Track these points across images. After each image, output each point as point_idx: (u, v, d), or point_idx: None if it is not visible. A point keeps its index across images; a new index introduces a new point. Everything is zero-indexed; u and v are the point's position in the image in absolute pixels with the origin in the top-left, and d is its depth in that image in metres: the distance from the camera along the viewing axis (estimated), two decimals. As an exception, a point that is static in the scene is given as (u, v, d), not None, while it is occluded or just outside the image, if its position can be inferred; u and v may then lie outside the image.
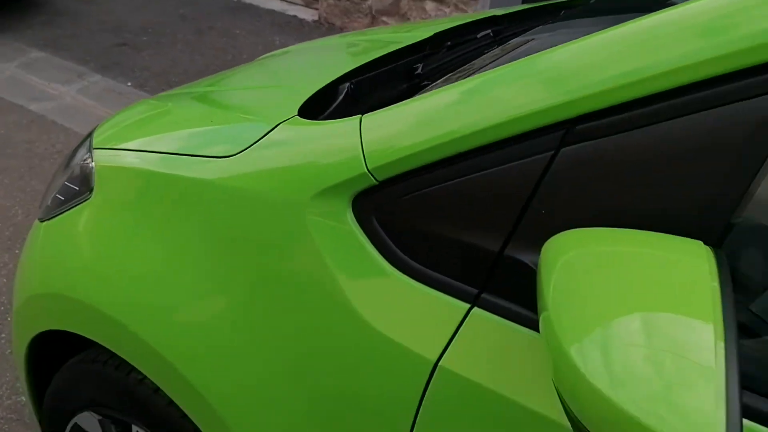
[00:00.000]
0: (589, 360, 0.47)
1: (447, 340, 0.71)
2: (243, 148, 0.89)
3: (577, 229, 0.60)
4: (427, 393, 0.72)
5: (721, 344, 0.44)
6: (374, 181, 0.75)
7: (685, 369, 0.44)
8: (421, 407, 0.72)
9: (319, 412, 0.81)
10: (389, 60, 1.20)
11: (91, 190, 1.08)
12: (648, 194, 0.60)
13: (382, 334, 0.74)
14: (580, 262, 0.54)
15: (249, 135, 0.91)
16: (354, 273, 0.76)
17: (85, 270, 1.03)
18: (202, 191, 0.90)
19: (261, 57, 1.62)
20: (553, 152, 0.65)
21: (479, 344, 0.70)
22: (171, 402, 0.99)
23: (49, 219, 1.17)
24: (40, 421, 1.40)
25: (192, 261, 0.91)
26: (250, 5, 5.41)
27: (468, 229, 0.70)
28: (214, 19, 5.04)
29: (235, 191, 0.87)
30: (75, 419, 1.20)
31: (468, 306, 0.71)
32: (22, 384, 1.33)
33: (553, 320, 0.51)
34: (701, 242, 0.54)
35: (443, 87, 0.76)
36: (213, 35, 4.66)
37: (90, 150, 1.13)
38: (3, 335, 2.02)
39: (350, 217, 0.77)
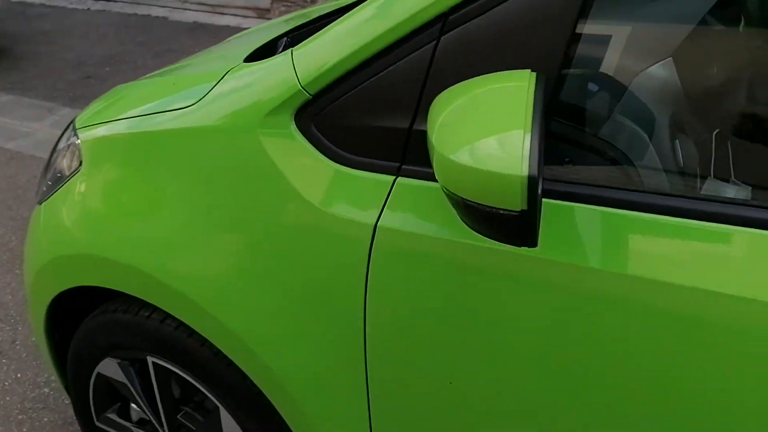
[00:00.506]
0: (453, 150, 0.67)
1: (381, 207, 0.90)
2: (201, 97, 1.08)
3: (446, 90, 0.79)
4: (372, 249, 0.91)
5: (530, 119, 0.63)
6: (308, 95, 0.94)
7: (503, 141, 0.64)
8: (371, 261, 0.91)
9: (293, 291, 0.99)
10: (326, 17, 1.39)
11: (80, 164, 1.26)
12: (502, 58, 0.80)
13: (330, 213, 0.93)
14: (448, 105, 0.73)
15: (205, 86, 1.10)
16: (301, 171, 0.95)
17: (94, 228, 1.21)
18: (175, 139, 1.09)
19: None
20: (437, 40, 0.84)
21: (405, 204, 0.89)
22: (203, 343, 1.16)
23: (47, 199, 1.35)
24: (66, 388, 1.58)
25: (180, 200, 1.09)
26: (205, 24, 5.59)
27: (384, 117, 0.89)
28: (170, 42, 5.22)
29: (200, 132, 1.06)
30: (97, 368, 1.38)
31: (393, 177, 0.90)
32: (44, 355, 1.51)
33: (434, 143, 0.70)
34: (528, 70, 0.73)
35: (348, 13, 0.95)
36: (172, 56, 4.83)
37: (74, 131, 1.31)
38: (17, 341, 2.18)
39: (293, 128, 0.96)
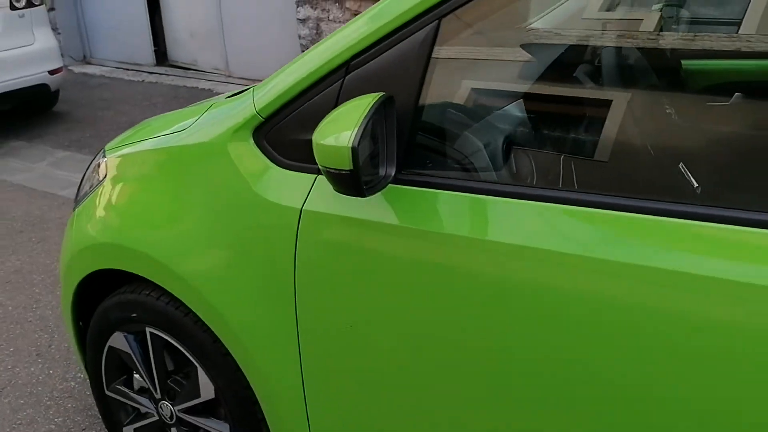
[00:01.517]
0: (322, 138, 1.03)
1: (306, 195, 1.26)
2: (193, 121, 1.48)
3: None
4: (300, 225, 1.26)
5: (360, 118, 0.99)
6: (261, 118, 1.33)
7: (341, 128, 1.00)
8: (298, 233, 1.26)
9: (248, 261, 1.35)
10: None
11: (104, 178, 1.67)
12: (381, 88, 1.16)
13: (271, 201, 1.30)
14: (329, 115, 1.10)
15: (197, 116, 1.50)
16: (253, 171, 1.33)
17: (111, 223, 1.61)
18: (171, 153, 1.49)
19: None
20: (342, 79, 1.22)
21: (321, 194, 1.24)
22: (187, 313, 1.51)
23: (78, 206, 1.76)
24: (86, 367, 1.93)
25: (172, 197, 1.48)
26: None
27: (310, 132, 1.26)
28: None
29: (189, 147, 1.45)
30: (109, 342, 1.74)
31: (315, 176, 1.27)
32: (69, 336, 1.88)
33: (314, 136, 1.07)
34: (381, 93, 1.09)
35: (291, 61, 1.34)
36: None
37: (103, 154, 1.73)
38: (53, 346, 2.57)
39: (251, 141, 1.34)
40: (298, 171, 1.29)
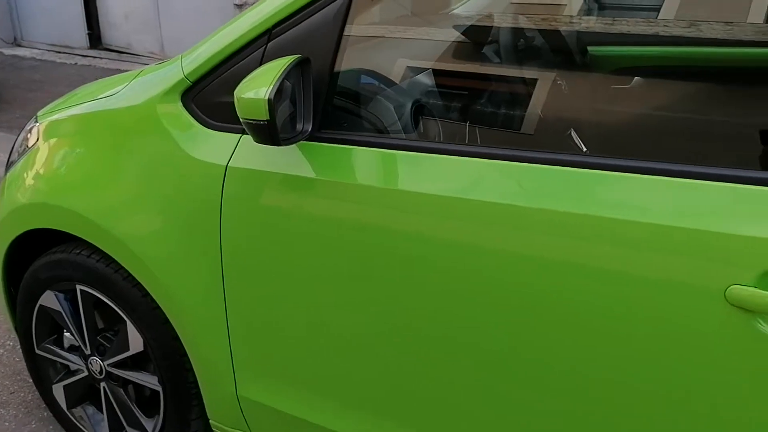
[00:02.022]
0: (242, 93, 1.14)
1: (231, 153, 1.36)
2: (123, 87, 1.56)
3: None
4: (225, 181, 1.36)
5: (276, 75, 1.11)
6: (189, 82, 1.42)
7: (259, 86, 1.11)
8: (224, 187, 1.36)
9: (174, 215, 1.44)
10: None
11: (36, 142, 1.73)
12: (300, 53, 1.27)
13: (198, 159, 1.39)
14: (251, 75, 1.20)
15: (128, 82, 1.58)
16: (181, 131, 1.42)
17: (41, 184, 1.67)
18: (103, 116, 1.56)
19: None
20: (265, 45, 1.33)
21: (245, 152, 1.35)
22: (125, 275, 1.58)
23: (10, 171, 1.80)
24: (16, 329, 1.98)
25: (103, 156, 1.55)
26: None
27: (232, 96, 1.36)
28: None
29: (121, 110, 1.53)
30: (39, 301, 1.80)
31: (240, 135, 1.37)
32: (1, 300, 1.92)
33: (235, 92, 1.17)
34: (298, 55, 1.20)
35: (218, 29, 1.44)
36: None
37: (35, 120, 1.78)
38: None
39: (179, 104, 1.43)
40: (224, 131, 1.39)
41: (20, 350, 2.36)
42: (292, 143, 1.20)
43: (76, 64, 6.81)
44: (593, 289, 1.05)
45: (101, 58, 6.91)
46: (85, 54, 7.05)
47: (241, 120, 1.17)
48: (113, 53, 6.96)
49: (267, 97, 1.09)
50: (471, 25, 1.66)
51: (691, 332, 0.98)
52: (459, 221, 1.14)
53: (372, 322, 1.28)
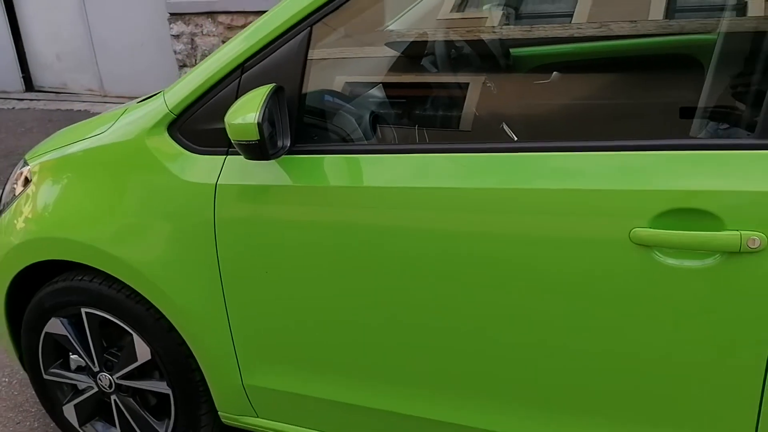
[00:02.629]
0: (233, 119, 1.36)
1: (218, 173, 1.57)
2: (110, 126, 1.75)
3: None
4: (216, 197, 1.57)
5: (261, 102, 1.33)
6: (173, 115, 1.62)
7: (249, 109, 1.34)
8: (216, 205, 1.57)
9: (172, 234, 1.64)
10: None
11: (27, 183, 1.90)
12: (270, 81, 1.49)
13: (187, 181, 1.59)
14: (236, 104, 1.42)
15: (113, 120, 1.77)
16: (171, 159, 1.62)
17: (39, 220, 1.84)
18: (98, 152, 1.75)
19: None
20: (239, 78, 1.54)
21: (231, 170, 1.56)
22: (120, 288, 1.77)
23: (4, 213, 1.96)
24: (20, 359, 2.13)
25: (97, 190, 1.74)
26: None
27: (216, 123, 1.57)
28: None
29: (112, 146, 1.72)
30: (45, 329, 1.96)
31: (224, 156, 1.58)
32: (2, 329, 2.07)
33: (226, 118, 1.38)
34: (273, 84, 1.43)
35: (196, 65, 1.64)
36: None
37: (24, 163, 1.95)
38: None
39: (166, 134, 1.63)
40: (210, 154, 1.60)
41: (17, 384, 2.50)
42: (277, 157, 1.42)
43: (13, 108, 6.81)
44: (529, 252, 1.30)
45: (39, 99, 6.93)
46: (21, 98, 7.05)
47: (233, 142, 1.38)
48: (51, 94, 6.98)
49: (256, 121, 1.31)
50: (409, 41, 1.91)
51: (608, 269, 1.25)
52: (414, 205, 1.39)
53: (353, 303, 1.51)
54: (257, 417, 1.79)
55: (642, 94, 1.46)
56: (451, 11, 2.24)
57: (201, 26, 5.55)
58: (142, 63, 6.19)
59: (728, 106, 1.30)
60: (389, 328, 1.49)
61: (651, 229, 1.20)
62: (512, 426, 1.45)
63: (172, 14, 5.65)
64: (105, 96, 6.61)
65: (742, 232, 1.15)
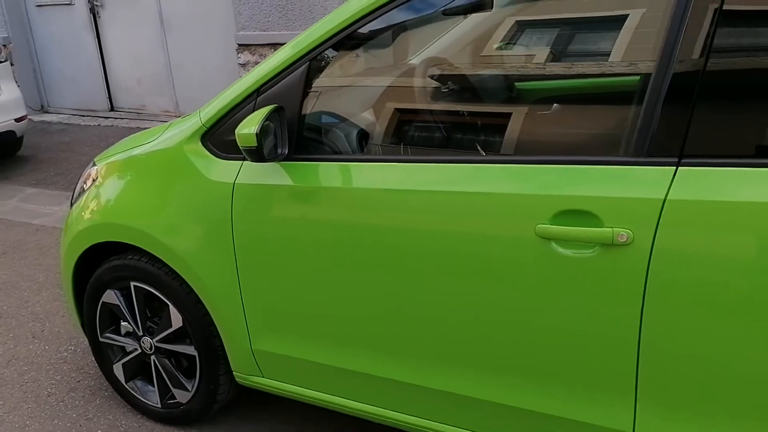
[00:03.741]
0: (240, 130, 1.77)
1: (236, 175, 1.99)
2: (159, 136, 2.21)
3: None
4: (234, 193, 1.98)
5: (260, 119, 1.74)
6: (205, 128, 2.06)
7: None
8: (233, 199, 1.98)
9: (203, 219, 2.06)
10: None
11: (95, 180, 2.38)
12: (276, 102, 1.91)
13: (213, 180, 2.02)
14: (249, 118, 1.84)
15: (162, 132, 2.23)
16: (202, 163, 2.05)
17: (105, 208, 2.31)
18: (149, 157, 2.21)
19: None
20: (255, 100, 1.97)
21: (246, 172, 1.97)
22: (161, 267, 2.20)
23: (77, 203, 2.45)
24: (82, 325, 2.60)
25: (149, 187, 2.19)
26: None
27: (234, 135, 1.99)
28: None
29: (159, 153, 2.18)
30: (102, 298, 2.42)
31: (242, 162, 2.00)
32: (68, 298, 2.55)
33: (237, 130, 1.80)
34: (275, 105, 1.84)
35: (225, 89, 2.08)
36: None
37: (93, 164, 2.44)
38: (45, 331, 3.20)
39: (199, 143, 2.07)
40: (231, 160, 2.02)
41: (80, 352, 2.98)
42: (274, 161, 1.83)
43: (99, 125, 7.55)
44: (465, 243, 1.65)
45: (122, 118, 7.66)
46: (106, 116, 7.81)
47: (240, 147, 1.80)
48: (133, 113, 7.71)
49: (255, 132, 1.72)
50: (399, 74, 2.28)
51: (520, 257, 1.58)
52: (390, 205, 1.76)
53: (340, 282, 1.89)
54: (262, 377, 2.19)
55: (561, 124, 1.79)
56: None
57: (264, 56, 6.10)
58: (214, 87, 6.81)
59: (614, 133, 1.62)
60: (368, 303, 1.86)
61: (550, 226, 1.54)
62: (467, 387, 1.78)
63: (240, 45, 6.24)
64: (179, 116, 7.28)
65: (614, 229, 1.47)
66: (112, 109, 7.90)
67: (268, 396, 2.48)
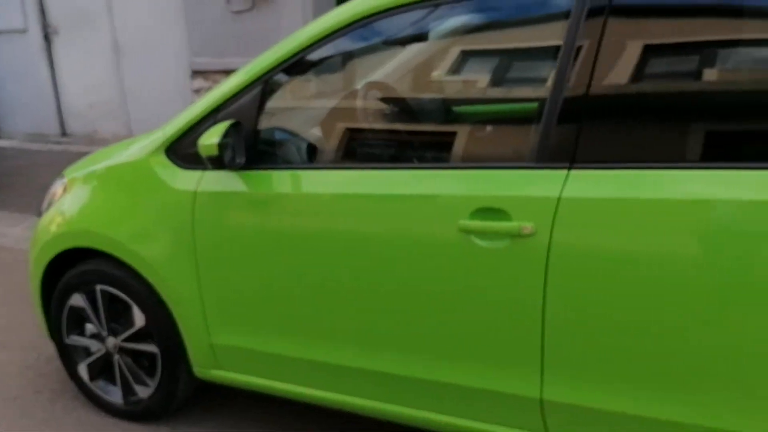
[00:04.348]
0: (203, 141, 2.02)
1: (197, 183, 2.23)
2: (126, 149, 2.44)
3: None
4: (196, 200, 2.22)
5: (221, 133, 2.00)
6: (169, 141, 2.30)
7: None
8: (195, 205, 2.22)
9: (164, 226, 2.29)
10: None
11: (65, 191, 2.58)
12: (233, 118, 2.16)
13: (177, 189, 2.26)
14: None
15: (129, 146, 2.46)
16: (166, 173, 2.29)
17: (71, 217, 2.51)
18: (117, 169, 2.43)
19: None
20: (215, 117, 2.21)
21: (206, 181, 2.21)
22: (126, 270, 2.41)
23: (45, 213, 2.64)
24: (49, 329, 2.77)
25: (113, 196, 2.41)
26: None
27: (197, 149, 2.23)
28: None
29: (126, 165, 2.40)
30: (69, 302, 2.61)
31: (202, 172, 2.24)
32: (36, 302, 2.72)
33: (199, 141, 2.05)
34: (233, 120, 2.10)
35: (190, 107, 2.32)
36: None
37: (62, 176, 2.64)
38: (12, 340, 3.33)
39: (164, 155, 2.31)
40: (192, 170, 2.26)
41: (44, 360, 3.13)
42: (233, 168, 2.08)
43: (51, 150, 7.63)
44: (398, 237, 1.92)
45: (73, 143, 7.76)
46: (59, 141, 7.90)
47: (203, 156, 2.04)
48: (85, 138, 7.82)
49: (217, 142, 1.98)
50: (343, 95, 2.55)
51: (446, 248, 1.86)
52: (334, 207, 2.03)
53: (288, 277, 2.13)
54: (221, 370, 2.40)
55: (479, 138, 2.09)
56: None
57: (218, 82, 6.34)
58: (167, 112, 6.99)
59: (521, 145, 1.92)
60: (314, 297, 2.10)
61: (469, 222, 1.82)
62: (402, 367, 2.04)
63: (194, 71, 6.46)
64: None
65: (520, 222, 1.76)
66: (64, 134, 7.99)
67: (231, 392, 2.69)
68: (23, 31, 7.82)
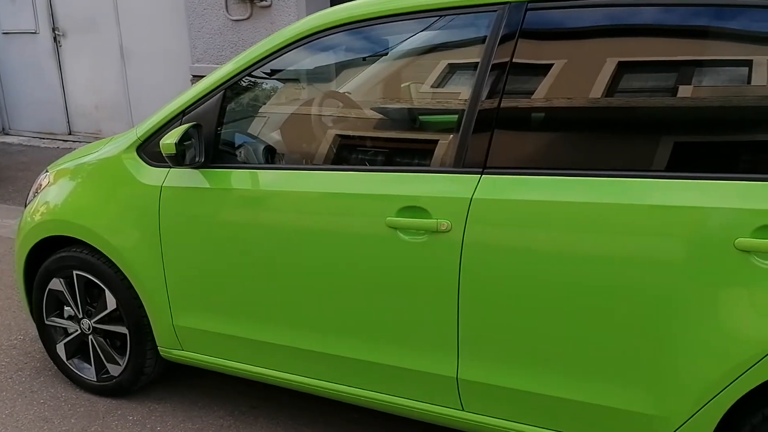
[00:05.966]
0: (164, 141, 2.25)
1: (163, 179, 2.46)
2: (103, 147, 2.67)
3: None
4: (161, 194, 2.44)
5: (179, 134, 2.22)
6: (140, 141, 2.53)
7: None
8: (161, 199, 2.44)
9: (134, 218, 2.52)
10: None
11: (48, 184, 2.82)
12: (196, 121, 2.38)
13: (145, 184, 2.48)
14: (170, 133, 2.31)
15: (106, 144, 2.69)
16: (136, 169, 2.51)
17: (54, 207, 2.74)
18: (94, 164, 2.66)
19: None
20: (180, 120, 2.44)
21: (172, 177, 2.44)
22: (100, 257, 2.64)
23: (30, 204, 2.88)
24: (31, 311, 3.00)
25: (90, 189, 2.64)
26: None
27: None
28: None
29: (102, 161, 2.63)
30: (49, 286, 2.84)
31: (168, 169, 2.46)
32: (20, 286, 2.95)
33: (161, 141, 2.28)
34: (195, 122, 2.32)
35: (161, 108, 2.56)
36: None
37: (47, 170, 2.88)
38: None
39: (135, 154, 2.53)
40: (160, 167, 2.48)
41: (28, 340, 3.37)
42: (192, 167, 2.31)
43: (57, 147, 7.92)
44: (331, 233, 2.14)
45: (79, 141, 8.04)
46: (65, 139, 8.18)
47: (164, 154, 2.27)
48: (89, 137, 8.10)
49: (174, 142, 2.20)
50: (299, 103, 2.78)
51: (375, 243, 2.07)
52: (283, 203, 2.24)
53: (245, 264, 2.35)
54: (182, 350, 2.62)
55: (407, 144, 2.31)
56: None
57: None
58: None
59: (443, 152, 2.13)
60: (264, 282, 2.32)
61: (395, 218, 2.03)
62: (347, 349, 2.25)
63: (194, 76, 6.72)
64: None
65: (438, 219, 1.97)
66: (70, 132, 8.27)
67: (197, 373, 2.90)
68: (35, 32, 8.13)
